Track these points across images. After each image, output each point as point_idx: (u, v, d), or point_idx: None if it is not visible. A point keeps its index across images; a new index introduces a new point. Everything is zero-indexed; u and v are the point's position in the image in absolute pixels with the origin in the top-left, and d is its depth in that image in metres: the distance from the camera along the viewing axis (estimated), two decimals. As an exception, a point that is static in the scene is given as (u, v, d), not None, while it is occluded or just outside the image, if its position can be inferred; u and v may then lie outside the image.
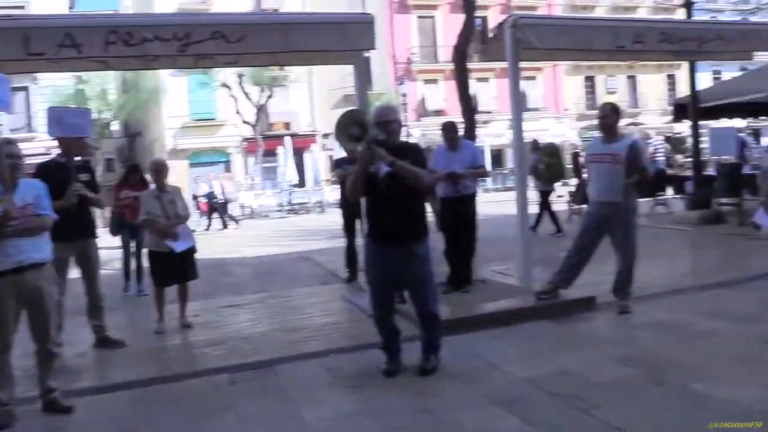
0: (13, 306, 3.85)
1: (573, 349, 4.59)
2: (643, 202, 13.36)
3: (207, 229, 18.44)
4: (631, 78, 39.92)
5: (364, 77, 6.07)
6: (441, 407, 3.61)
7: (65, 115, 5.43)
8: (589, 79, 39.32)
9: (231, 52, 5.29)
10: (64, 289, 5.19)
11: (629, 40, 6.58)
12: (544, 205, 11.23)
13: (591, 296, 5.84)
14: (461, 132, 6.90)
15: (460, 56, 7.51)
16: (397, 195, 3.97)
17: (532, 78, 37.50)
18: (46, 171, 5.10)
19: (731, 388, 3.54)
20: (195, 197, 17.82)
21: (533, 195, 11.40)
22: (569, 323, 5.31)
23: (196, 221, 18.07)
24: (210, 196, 18.75)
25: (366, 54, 5.97)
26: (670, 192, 13.64)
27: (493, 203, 16.25)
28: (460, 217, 6.37)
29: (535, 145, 11.80)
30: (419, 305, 4.33)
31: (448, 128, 6.46)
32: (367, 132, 3.75)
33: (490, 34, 6.85)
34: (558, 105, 38.25)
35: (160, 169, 6.03)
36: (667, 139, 21.15)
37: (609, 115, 5.52)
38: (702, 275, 7.01)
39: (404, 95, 27.25)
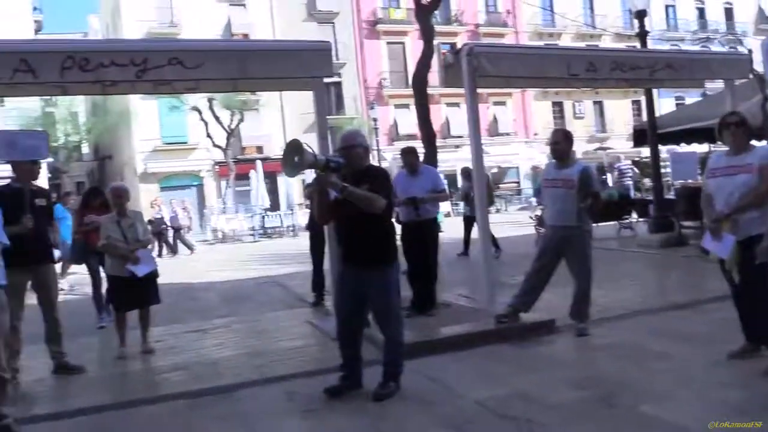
0: (-39, 333, 3.80)
1: (529, 371, 4.66)
2: (609, 226, 13.69)
3: (174, 253, 18.22)
4: (598, 104, 40.90)
5: (323, 103, 6.16)
6: (392, 430, 3.63)
7: (18, 138, 5.38)
8: (557, 105, 40.21)
9: (189, 78, 5.34)
10: (20, 315, 5.12)
11: (582, 69, 6.79)
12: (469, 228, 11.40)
13: (551, 319, 5.92)
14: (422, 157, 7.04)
15: (420, 83, 7.66)
16: (355, 219, 4.04)
17: (503, 103, 38.25)
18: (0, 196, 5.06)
19: (678, 409, 3.62)
20: (150, 222, 17.44)
21: (496, 219, 11.62)
22: (528, 346, 5.38)
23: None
24: (158, 221, 18.28)
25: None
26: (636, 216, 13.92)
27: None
28: (421, 241, 6.45)
29: (466, 172, 12.02)
30: (381, 331, 4.38)
31: (408, 153, 6.57)
32: (303, 158, 3.81)
33: (450, 60, 6.99)
34: (528, 129, 38.99)
35: (119, 195, 6.02)
36: (635, 163, 21.59)
37: (560, 142, 5.67)
38: (660, 297, 7.18)
39: (375, 120, 27.48)
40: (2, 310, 4.02)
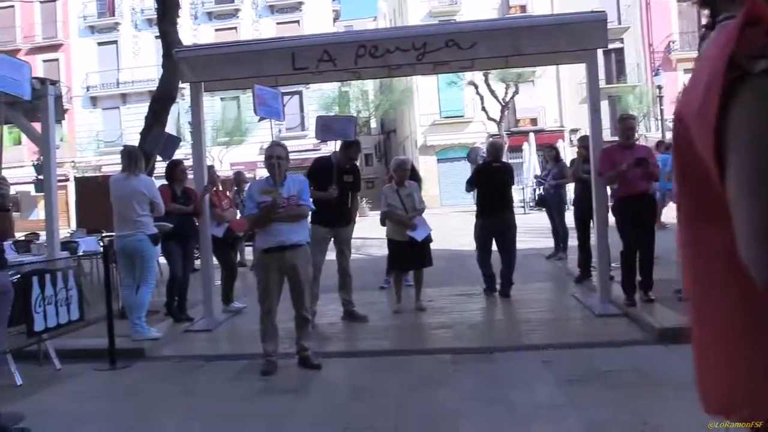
0: (275, 277, 4.72)
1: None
2: None
3: None
4: None
5: (595, 76, 6.04)
6: (647, 410, 3.57)
7: (330, 122, 6.36)
8: None
9: (464, 58, 5.70)
10: (320, 266, 6.11)
11: None
12: None
13: None
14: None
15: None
16: None
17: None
18: (318, 164, 6.22)
19: None
20: None
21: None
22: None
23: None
24: None
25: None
26: None
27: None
28: (639, 218, 5.94)
29: None
30: None
31: (627, 127, 6.10)
32: None
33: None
34: None
35: (400, 167, 6.69)
36: None
37: None
38: None
39: (660, 87, 25.24)
40: (307, 262, 4.87)
